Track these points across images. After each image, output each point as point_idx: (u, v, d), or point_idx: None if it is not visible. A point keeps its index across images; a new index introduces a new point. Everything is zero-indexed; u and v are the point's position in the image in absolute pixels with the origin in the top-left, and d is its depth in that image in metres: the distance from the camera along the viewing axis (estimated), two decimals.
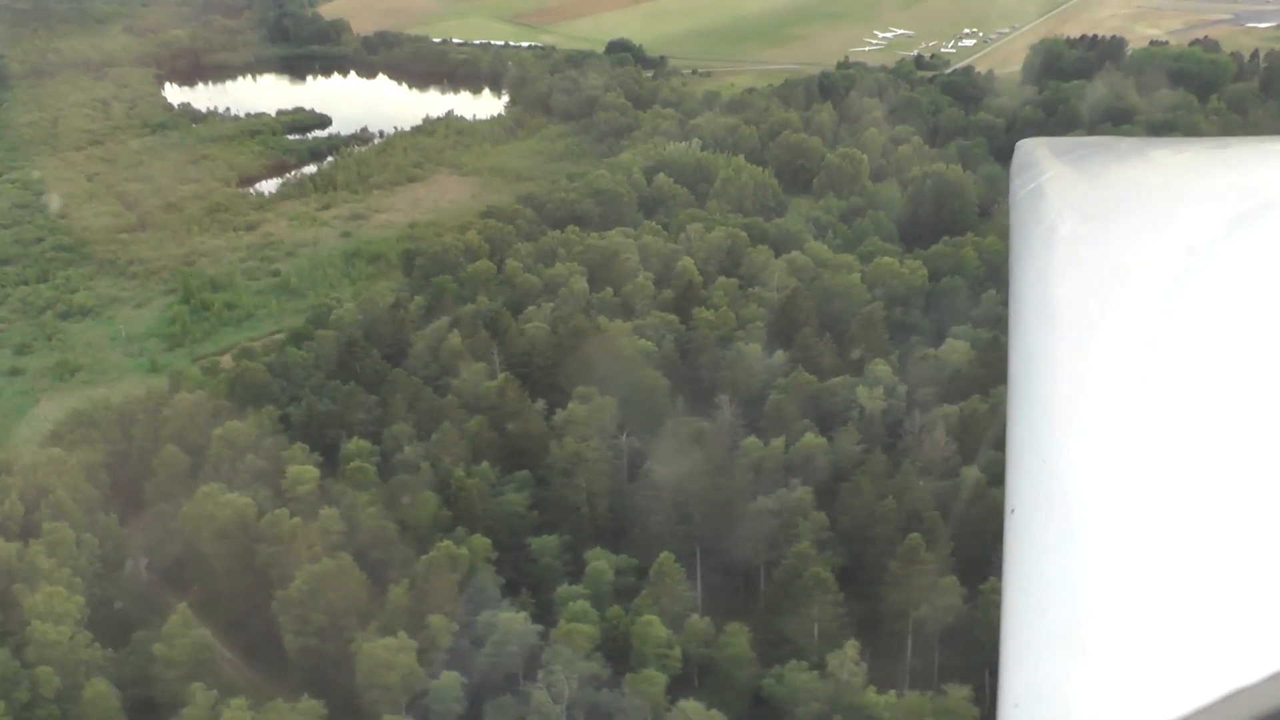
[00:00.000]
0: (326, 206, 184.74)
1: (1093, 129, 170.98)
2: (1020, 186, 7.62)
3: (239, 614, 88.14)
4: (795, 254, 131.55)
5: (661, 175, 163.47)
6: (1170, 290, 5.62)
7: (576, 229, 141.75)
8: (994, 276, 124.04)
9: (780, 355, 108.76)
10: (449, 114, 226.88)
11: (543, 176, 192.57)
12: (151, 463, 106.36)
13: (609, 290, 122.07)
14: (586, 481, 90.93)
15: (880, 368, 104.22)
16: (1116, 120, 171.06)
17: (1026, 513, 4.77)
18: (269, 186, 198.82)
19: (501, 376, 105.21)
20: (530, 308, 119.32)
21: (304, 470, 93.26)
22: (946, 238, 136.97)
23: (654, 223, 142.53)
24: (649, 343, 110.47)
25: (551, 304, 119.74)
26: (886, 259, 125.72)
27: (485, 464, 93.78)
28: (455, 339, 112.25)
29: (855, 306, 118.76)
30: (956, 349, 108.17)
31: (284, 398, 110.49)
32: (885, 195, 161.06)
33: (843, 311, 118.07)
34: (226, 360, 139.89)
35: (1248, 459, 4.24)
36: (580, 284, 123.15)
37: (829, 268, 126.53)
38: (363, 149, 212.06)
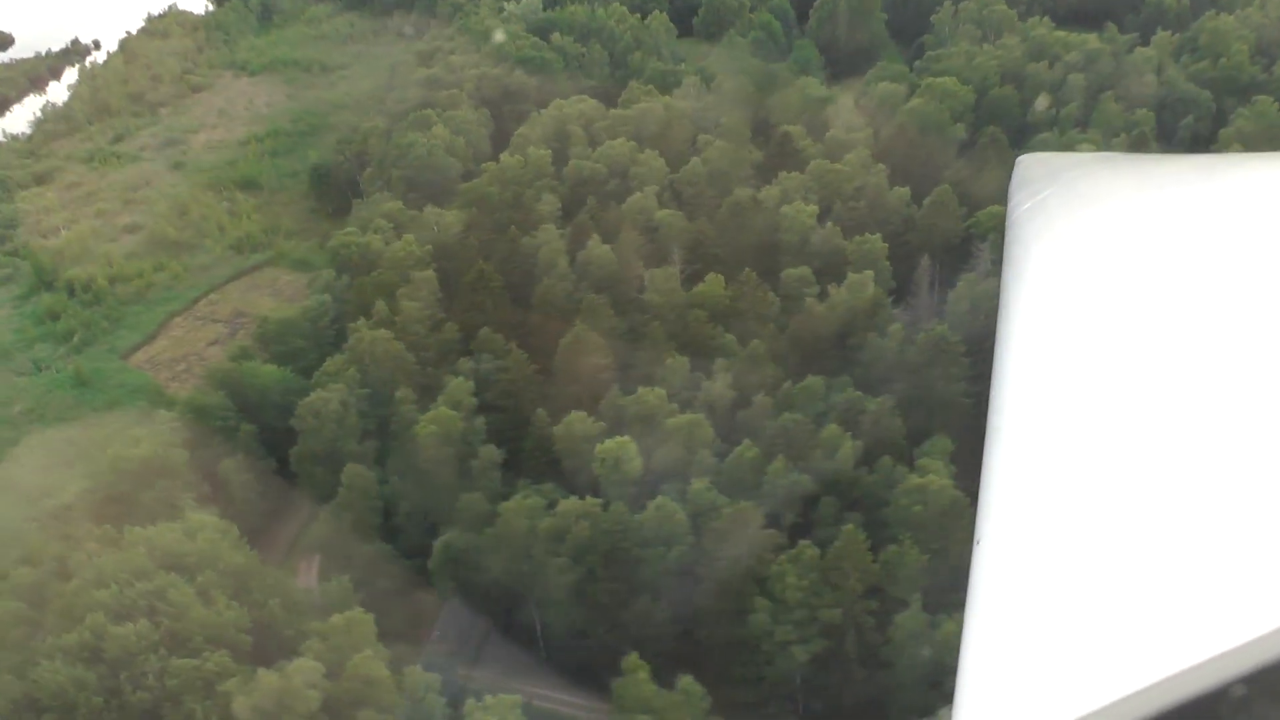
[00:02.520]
0: (119, 138, 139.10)
1: None
2: (1019, 203, 7.29)
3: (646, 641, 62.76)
4: (805, 94, 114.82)
5: (557, 35, 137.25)
6: (1165, 316, 5.23)
7: (562, 101, 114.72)
8: (1020, 80, 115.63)
9: (941, 192, 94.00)
10: (172, 8, 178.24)
11: (353, 64, 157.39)
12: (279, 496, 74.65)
13: (694, 161, 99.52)
14: (941, 368, 73.26)
15: None
16: None
17: (994, 545, 4.48)
18: (12, 127, 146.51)
19: (714, 276, 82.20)
20: (635, 194, 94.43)
21: (620, 445, 67.43)
22: (931, 52, 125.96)
23: (640, 84, 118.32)
24: (810, 205, 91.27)
25: (655, 188, 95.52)
26: (935, 79, 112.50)
27: (813, 378, 72.92)
28: (599, 246, 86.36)
29: (942, 130, 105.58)
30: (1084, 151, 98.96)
31: (422, 367, 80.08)
32: (774, 26, 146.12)
33: (940, 140, 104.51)
34: (164, 348, 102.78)
35: (1233, 487, 4.01)
36: (655, 161, 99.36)
37: (880, 100, 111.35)
38: (98, 65, 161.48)
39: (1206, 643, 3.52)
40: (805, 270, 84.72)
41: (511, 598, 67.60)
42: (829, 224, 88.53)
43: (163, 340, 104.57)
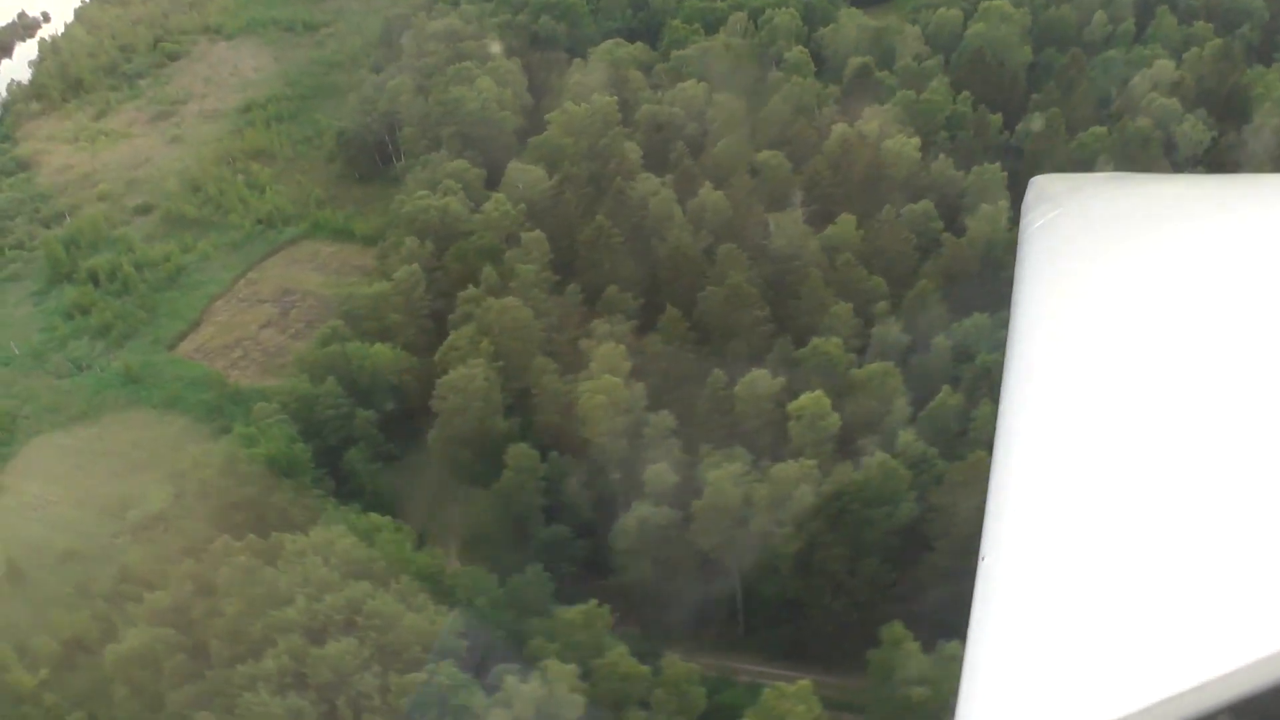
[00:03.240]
0: (101, 114, 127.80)
1: None
2: (1031, 222, 7.20)
3: None
4: (858, 25, 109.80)
5: None
6: (1177, 341, 5.31)
7: (612, 44, 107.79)
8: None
9: (1039, 119, 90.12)
10: None
11: (336, 20, 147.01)
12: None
13: (774, 99, 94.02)
14: None
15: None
16: None
17: (1000, 563, 4.60)
18: None
19: (846, 217, 77.29)
20: (723, 141, 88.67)
21: (814, 400, 62.38)
22: None
23: (682, 23, 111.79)
24: (912, 138, 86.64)
25: (747, 129, 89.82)
26: (990, 2, 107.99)
27: (979, 315, 68.81)
28: (712, 193, 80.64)
29: (1012, 53, 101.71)
30: (1165, 69, 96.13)
31: (547, 334, 73.86)
32: None
33: (1013, 63, 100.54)
34: (212, 334, 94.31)
35: (1246, 511, 4.10)
36: (734, 102, 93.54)
37: (939, 27, 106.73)
38: (58, 38, 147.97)
39: (1210, 665, 3.58)
40: (927, 205, 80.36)
41: (708, 571, 62.65)
42: (940, 156, 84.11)
43: (209, 326, 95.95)
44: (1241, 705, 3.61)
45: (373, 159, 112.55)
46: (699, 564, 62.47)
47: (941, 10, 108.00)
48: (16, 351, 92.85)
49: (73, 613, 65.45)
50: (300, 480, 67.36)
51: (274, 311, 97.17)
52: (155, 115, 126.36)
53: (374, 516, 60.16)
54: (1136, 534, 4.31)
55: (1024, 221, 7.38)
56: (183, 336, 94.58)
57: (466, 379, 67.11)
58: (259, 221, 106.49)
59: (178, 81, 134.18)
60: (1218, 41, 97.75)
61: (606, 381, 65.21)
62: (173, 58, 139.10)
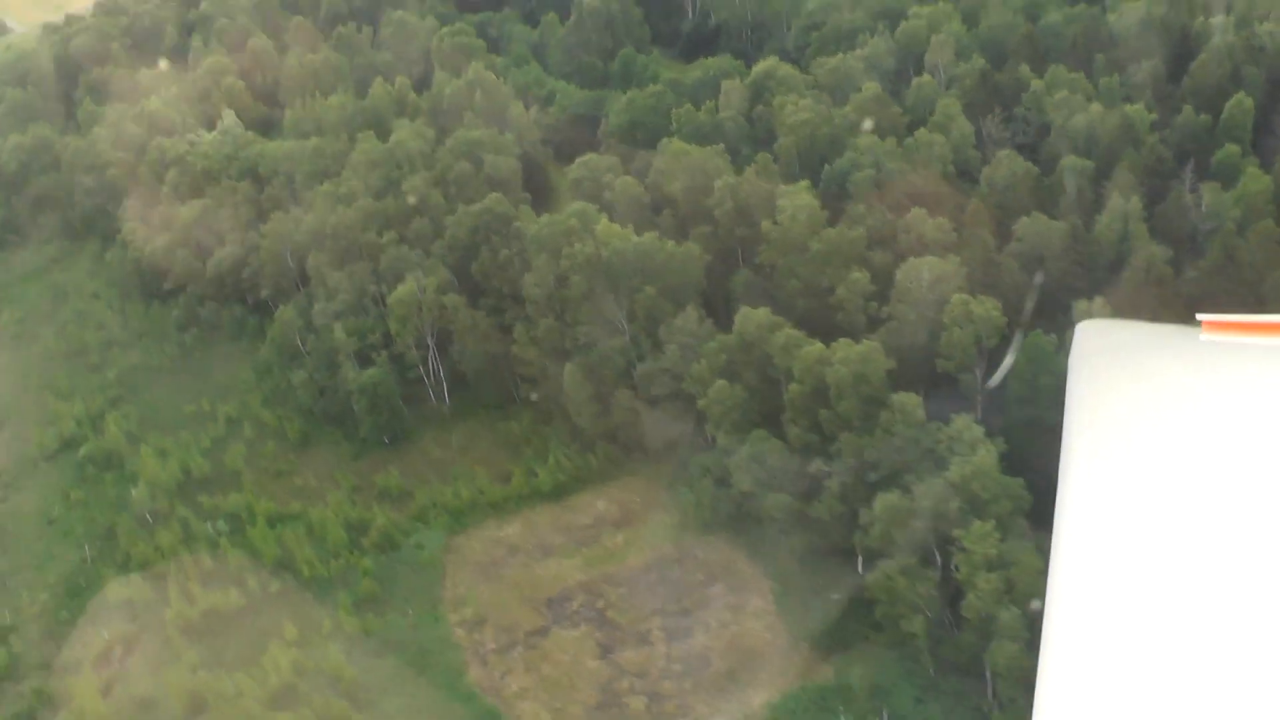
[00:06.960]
0: None
1: None
2: (1078, 373, 7.31)
3: None
4: None
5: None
6: (1219, 492, 5.42)
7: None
8: None
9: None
10: None
11: (16, 302, 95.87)
12: None
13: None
14: None
15: None
16: None
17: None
18: None
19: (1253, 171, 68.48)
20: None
21: None
22: None
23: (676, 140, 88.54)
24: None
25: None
26: None
27: None
28: (1041, 220, 67.28)
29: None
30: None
31: None
32: None
33: None
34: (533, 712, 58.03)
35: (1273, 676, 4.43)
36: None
37: None
38: None
39: None
40: None
41: None
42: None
43: (523, 704, 55.93)
44: None
45: (390, 425, 74.40)
46: None
47: None
48: None
49: None
50: None
51: (583, 632, 60.04)
52: None
53: None
54: (1181, 687, 4.29)
55: (1072, 369, 7.05)
56: None
57: None
58: (351, 551, 64.91)
59: None
60: None
61: None
62: None
